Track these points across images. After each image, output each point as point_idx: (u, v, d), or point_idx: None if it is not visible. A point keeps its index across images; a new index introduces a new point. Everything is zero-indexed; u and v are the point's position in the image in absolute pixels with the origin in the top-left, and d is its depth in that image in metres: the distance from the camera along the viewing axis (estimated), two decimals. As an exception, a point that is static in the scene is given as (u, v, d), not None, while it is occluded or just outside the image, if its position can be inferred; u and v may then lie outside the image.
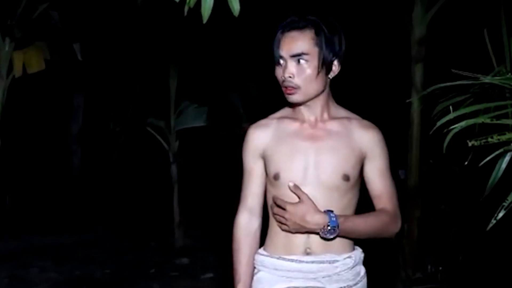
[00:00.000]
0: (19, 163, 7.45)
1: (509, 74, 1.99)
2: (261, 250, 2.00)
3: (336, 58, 1.89)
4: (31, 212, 6.66)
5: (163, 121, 5.69)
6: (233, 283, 2.00)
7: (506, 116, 1.73)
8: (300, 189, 1.85)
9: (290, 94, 1.87)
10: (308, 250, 1.91)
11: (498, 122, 1.61)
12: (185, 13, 1.70)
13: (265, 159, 1.96)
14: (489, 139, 1.53)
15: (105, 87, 7.69)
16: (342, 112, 1.98)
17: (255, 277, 2.01)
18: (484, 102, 1.88)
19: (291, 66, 1.85)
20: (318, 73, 1.86)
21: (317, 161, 1.88)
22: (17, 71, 4.91)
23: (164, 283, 4.88)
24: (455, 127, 1.59)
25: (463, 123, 1.58)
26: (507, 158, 1.62)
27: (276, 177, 1.91)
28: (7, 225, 5.91)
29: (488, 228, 1.63)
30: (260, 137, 1.97)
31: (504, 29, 2.10)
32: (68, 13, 5.05)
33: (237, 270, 1.99)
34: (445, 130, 1.63)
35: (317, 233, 1.86)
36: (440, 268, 4.48)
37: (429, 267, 4.52)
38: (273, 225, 1.97)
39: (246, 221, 2.01)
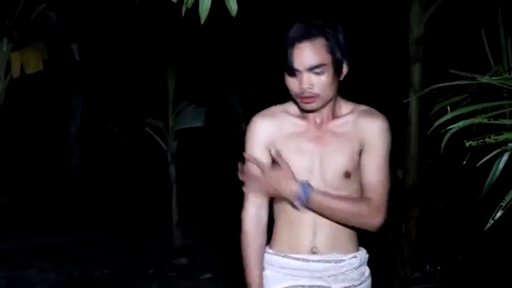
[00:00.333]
0: (17, 163, 7.44)
1: (507, 74, 1.99)
2: (267, 248, 2.00)
3: (345, 59, 1.89)
4: (29, 212, 6.65)
5: (161, 121, 5.68)
6: (245, 283, 1.97)
7: (503, 116, 1.73)
8: (282, 158, 1.89)
9: (308, 103, 1.86)
10: (314, 249, 1.92)
11: (496, 122, 1.61)
12: (183, 14, 1.71)
13: (271, 153, 1.94)
14: (487, 139, 1.53)
15: (103, 88, 7.69)
16: (347, 107, 1.96)
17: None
18: (482, 102, 1.88)
19: (308, 77, 1.83)
20: (333, 78, 1.86)
21: (321, 162, 1.90)
22: (15, 72, 4.92)
23: (162, 283, 4.87)
24: (452, 127, 1.60)
25: (460, 123, 1.59)
26: (504, 158, 1.62)
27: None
28: (6, 225, 5.90)
29: (486, 228, 1.63)
30: (268, 128, 1.95)
31: (501, 29, 2.10)
32: (66, 14, 5.05)
33: (248, 268, 1.96)
34: (443, 130, 1.64)
35: (324, 232, 1.91)
36: (439, 267, 4.48)
37: (427, 266, 4.52)
38: (279, 223, 1.98)
39: (255, 213, 1.96)
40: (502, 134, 1.54)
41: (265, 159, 1.93)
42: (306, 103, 1.86)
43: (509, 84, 1.80)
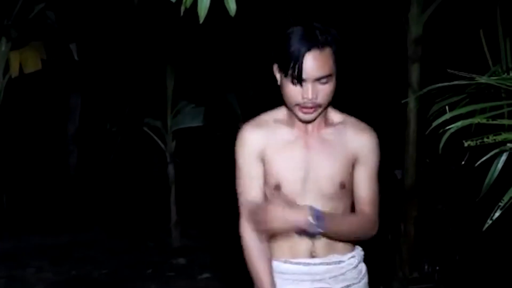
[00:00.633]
0: (16, 163, 7.43)
1: (505, 74, 2.00)
2: None
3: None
4: (27, 212, 6.64)
5: (159, 121, 5.68)
6: None
7: (502, 116, 1.73)
8: (282, 191, 1.88)
9: (309, 113, 1.82)
10: (313, 253, 1.93)
11: (494, 122, 1.61)
12: (181, 13, 1.71)
13: (264, 163, 1.91)
14: (485, 139, 1.53)
15: (101, 87, 7.68)
16: (338, 116, 1.95)
17: None
18: (480, 102, 1.88)
19: (314, 87, 1.77)
20: (334, 87, 1.83)
21: (315, 171, 1.88)
22: (14, 71, 4.92)
23: (161, 283, 4.87)
24: (451, 127, 1.60)
25: (459, 123, 1.59)
26: (503, 158, 1.63)
27: (277, 188, 1.90)
28: (4, 225, 5.89)
29: (484, 228, 1.64)
30: (259, 139, 1.90)
31: (499, 29, 2.10)
32: (64, 13, 5.05)
33: (261, 280, 1.91)
34: (441, 130, 1.64)
35: (322, 236, 1.89)
36: (437, 267, 4.49)
37: (426, 266, 4.52)
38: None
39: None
40: (500, 134, 1.55)
41: (259, 170, 1.90)
42: (306, 113, 1.81)
43: (508, 84, 1.80)
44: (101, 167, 7.51)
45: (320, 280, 1.94)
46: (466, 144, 1.54)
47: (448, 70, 1.86)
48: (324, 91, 1.79)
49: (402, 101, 2.03)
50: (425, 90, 1.93)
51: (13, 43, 4.86)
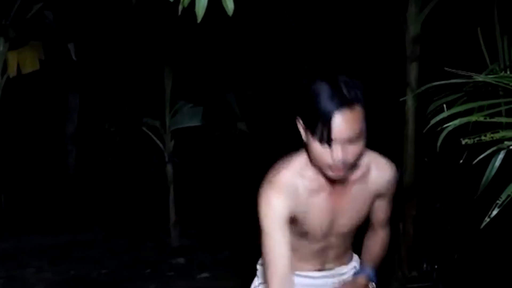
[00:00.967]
0: (14, 163, 7.42)
1: (503, 72, 2.00)
2: None
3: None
4: (26, 212, 6.64)
5: (158, 121, 5.68)
6: None
7: (499, 114, 1.73)
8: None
9: (339, 174, 1.72)
10: (323, 268, 2.02)
11: (492, 120, 1.61)
12: (179, 13, 1.71)
13: (291, 218, 1.85)
14: (483, 137, 1.53)
15: (100, 87, 7.68)
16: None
17: None
18: (478, 100, 1.89)
19: (344, 148, 1.66)
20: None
21: (339, 217, 1.90)
22: (12, 71, 4.92)
23: (160, 283, 4.87)
24: (448, 125, 1.60)
25: (456, 121, 1.59)
26: (500, 156, 1.63)
27: (303, 235, 1.91)
28: (3, 225, 5.89)
29: (482, 226, 1.64)
30: (286, 204, 1.80)
31: (497, 27, 2.11)
32: (62, 13, 5.05)
33: None
34: (439, 128, 1.64)
35: (331, 254, 2.00)
36: (436, 266, 4.49)
37: (424, 265, 4.52)
38: (291, 239, 1.96)
39: None
40: (498, 132, 1.55)
41: (286, 232, 1.80)
42: (336, 173, 1.72)
43: (505, 82, 1.81)
44: (100, 167, 7.51)
45: None
46: (463, 142, 1.54)
47: (446, 69, 1.86)
48: (355, 150, 1.68)
49: (400, 99, 2.03)
50: (423, 88, 1.93)
51: (11, 43, 4.86)
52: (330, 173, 1.73)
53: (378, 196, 1.94)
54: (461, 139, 1.54)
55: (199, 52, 5.82)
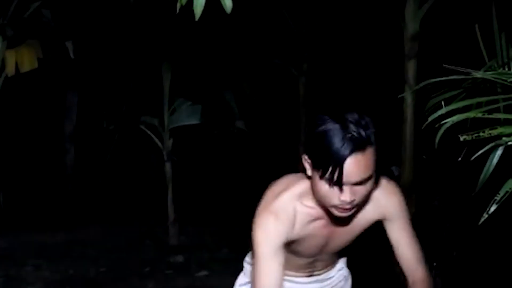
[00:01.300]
0: (13, 161, 7.42)
1: (501, 69, 2.00)
2: None
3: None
4: (25, 210, 6.64)
5: (156, 119, 5.67)
6: None
7: (497, 110, 1.73)
8: None
9: (345, 213, 1.68)
10: (312, 274, 2.03)
11: (490, 116, 1.61)
12: (177, 10, 1.70)
13: (285, 243, 1.82)
14: (481, 134, 1.53)
15: (98, 85, 7.67)
16: None
17: None
18: (476, 97, 1.89)
19: (352, 190, 1.62)
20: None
21: (334, 241, 1.89)
22: (10, 70, 4.90)
23: (159, 281, 4.87)
24: (447, 122, 1.60)
25: (454, 118, 1.59)
26: (498, 153, 1.63)
27: (293, 253, 1.89)
28: (1, 224, 5.88)
29: (480, 222, 1.64)
30: (282, 231, 1.77)
31: (495, 24, 2.11)
32: (60, 11, 5.04)
33: None
34: (437, 125, 1.64)
35: (320, 265, 2.00)
36: (434, 264, 4.49)
37: (423, 263, 4.52)
38: None
39: None
40: (496, 128, 1.55)
41: (280, 258, 1.78)
42: (342, 212, 1.68)
43: (503, 78, 1.81)
44: (98, 165, 7.50)
45: None
46: (461, 139, 1.54)
47: (444, 65, 1.86)
48: (363, 192, 1.64)
49: (398, 96, 2.03)
50: (421, 84, 1.93)
51: (8, 42, 4.85)
52: (335, 212, 1.69)
53: (387, 222, 1.87)
54: (459, 135, 1.54)
55: (197, 50, 5.82)
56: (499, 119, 1.67)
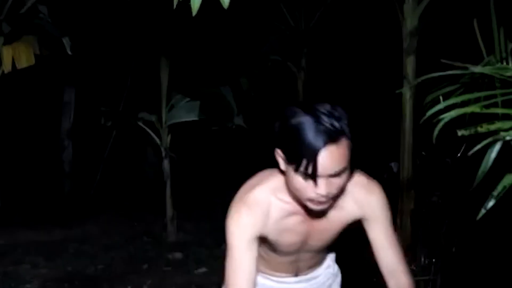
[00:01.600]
0: (10, 158, 7.41)
1: (499, 63, 1.99)
2: None
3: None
4: (22, 208, 6.63)
5: (154, 116, 5.66)
6: None
7: (495, 105, 1.72)
8: None
9: (321, 206, 1.66)
10: (296, 273, 2.02)
11: (488, 111, 1.60)
12: (174, 6, 1.69)
13: (262, 238, 1.81)
14: (478, 129, 1.52)
15: (96, 82, 7.66)
16: None
17: None
18: (475, 92, 1.88)
19: (328, 182, 1.60)
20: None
21: (313, 238, 1.87)
22: (7, 67, 4.88)
23: (157, 278, 4.87)
24: (445, 116, 1.58)
25: (452, 113, 1.57)
26: (496, 148, 1.61)
27: (273, 250, 1.88)
28: (-2, 222, 5.89)
29: (478, 217, 1.62)
30: (258, 225, 1.76)
31: (493, 19, 2.09)
32: (57, 7, 5.02)
33: None
34: (435, 120, 1.63)
35: (305, 264, 1.99)
36: (434, 260, 4.49)
37: (422, 259, 4.52)
38: (263, 250, 1.94)
39: None
40: (494, 123, 1.53)
41: (254, 252, 1.77)
42: (318, 206, 1.66)
43: (501, 73, 1.79)
44: (96, 162, 7.50)
45: None
46: (459, 134, 1.52)
47: (443, 61, 1.85)
48: (338, 184, 1.62)
49: (396, 91, 2.01)
50: (419, 79, 1.92)
51: (5, 38, 4.82)
52: (311, 206, 1.66)
53: (367, 221, 1.84)
54: (457, 130, 1.53)
55: (195, 46, 5.80)
56: (497, 114, 1.66)
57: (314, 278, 2.05)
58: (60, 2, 5.05)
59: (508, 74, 1.80)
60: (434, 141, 1.65)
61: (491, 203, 1.58)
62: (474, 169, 1.74)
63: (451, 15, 4.82)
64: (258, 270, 1.90)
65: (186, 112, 5.63)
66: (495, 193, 1.56)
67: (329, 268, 2.10)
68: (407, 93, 4.35)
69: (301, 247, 1.88)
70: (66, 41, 4.91)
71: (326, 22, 6.63)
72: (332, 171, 1.57)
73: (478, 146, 1.51)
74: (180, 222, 5.85)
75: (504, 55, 2.03)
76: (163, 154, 5.73)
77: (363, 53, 7.46)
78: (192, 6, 1.63)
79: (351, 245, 1.96)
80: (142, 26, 5.87)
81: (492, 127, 1.53)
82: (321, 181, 1.58)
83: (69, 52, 4.93)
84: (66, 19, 5.19)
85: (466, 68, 1.82)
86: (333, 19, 6.57)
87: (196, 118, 5.54)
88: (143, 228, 6.03)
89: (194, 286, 4.73)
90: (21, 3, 4.78)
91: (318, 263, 2.04)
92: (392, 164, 4.87)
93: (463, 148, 1.64)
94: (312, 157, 1.54)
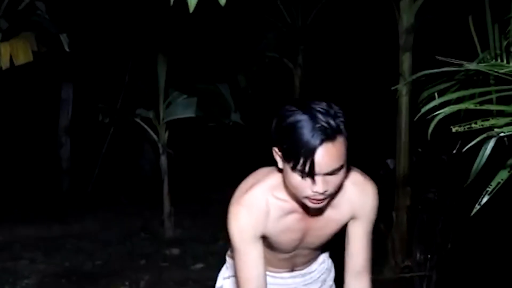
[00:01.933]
0: (8, 155, 7.41)
1: (494, 60, 2.00)
2: None
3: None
4: (20, 204, 6.63)
5: (152, 112, 5.67)
6: None
7: (490, 102, 1.74)
8: None
9: (318, 204, 1.67)
10: (293, 269, 2.04)
11: (482, 108, 1.62)
12: (171, 3, 1.70)
13: (262, 236, 1.83)
14: (473, 125, 1.54)
15: (93, 78, 7.66)
16: None
17: (234, 281, 2.09)
18: (469, 88, 1.89)
19: (325, 180, 1.61)
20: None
21: (310, 236, 1.88)
22: (4, 63, 4.88)
23: (154, 273, 4.88)
24: (439, 113, 1.60)
25: (447, 109, 1.59)
26: (491, 144, 1.63)
27: (270, 248, 1.89)
28: (-4, 218, 5.90)
29: (472, 213, 1.64)
30: (259, 224, 1.77)
31: (488, 16, 2.11)
32: (54, 4, 5.02)
33: None
34: (430, 116, 1.64)
35: (301, 260, 2.00)
36: (429, 256, 4.51)
37: (418, 255, 4.55)
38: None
39: None
40: (488, 119, 1.55)
41: (259, 249, 1.80)
42: (315, 203, 1.67)
43: (496, 70, 1.81)
44: (94, 159, 7.50)
45: None
46: (454, 130, 1.54)
47: (437, 57, 1.86)
48: (335, 181, 1.64)
49: (392, 88, 2.02)
50: (414, 76, 1.93)
51: (3, 35, 4.82)
52: (308, 203, 1.68)
53: (355, 216, 1.85)
54: (452, 127, 1.54)
55: (192, 43, 5.81)
56: (492, 110, 1.68)
57: (309, 273, 2.07)
58: (58, -2, 5.06)
59: (503, 71, 1.82)
60: (429, 137, 1.66)
61: (485, 199, 1.59)
62: (470, 166, 1.75)
63: (447, 12, 4.84)
64: None
65: (183, 109, 5.63)
66: (489, 189, 1.58)
67: (324, 263, 2.13)
68: (403, 90, 4.37)
69: (298, 245, 1.90)
70: (63, 37, 4.91)
71: (322, 19, 6.64)
72: (328, 169, 1.59)
73: (472, 143, 1.53)
74: (178, 218, 5.86)
75: (498, 52, 2.04)
76: (161, 150, 5.74)
77: (359, 50, 7.47)
78: (189, 3, 1.65)
79: (344, 241, 1.96)
80: (140, 23, 5.88)
81: (486, 123, 1.54)
82: (318, 179, 1.60)
83: (67, 49, 4.93)
84: (64, 16, 5.20)
85: (461, 65, 1.83)
86: (329, 16, 6.58)
87: (193, 115, 5.54)
88: (141, 224, 6.04)
89: (191, 282, 4.74)
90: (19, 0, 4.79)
91: (313, 258, 2.07)
92: (388, 161, 4.89)
93: (458, 145, 1.66)
94: (309, 155, 1.55)
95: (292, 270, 2.04)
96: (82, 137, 7.62)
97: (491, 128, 1.55)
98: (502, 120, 1.57)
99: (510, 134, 1.53)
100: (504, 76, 1.80)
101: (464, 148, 1.60)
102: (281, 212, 1.78)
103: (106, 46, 7.07)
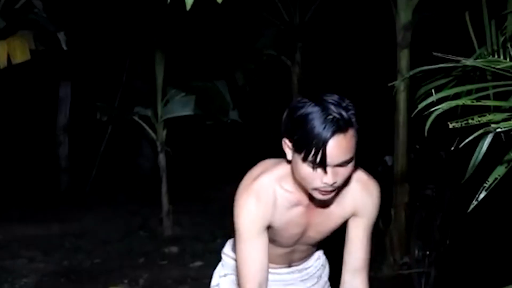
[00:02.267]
0: (6, 154, 7.40)
1: (490, 56, 2.01)
2: None
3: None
4: (18, 202, 6.63)
5: (150, 110, 5.66)
6: None
7: (487, 97, 1.74)
8: None
9: (327, 195, 1.69)
10: (290, 264, 2.06)
11: (479, 103, 1.62)
12: (168, 1, 1.70)
13: (268, 224, 1.83)
14: (470, 121, 1.54)
15: (91, 77, 7.65)
16: None
17: (230, 279, 2.11)
18: (466, 84, 1.90)
19: (335, 172, 1.63)
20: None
21: (312, 230, 1.89)
22: (2, 62, 4.87)
23: (153, 272, 4.88)
24: (437, 109, 1.60)
25: (444, 105, 1.59)
26: (488, 140, 1.63)
27: (270, 241, 1.88)
28: (-5, 216, 5.89)
29: (470, 209, 1.65)
30: (266, 213, 1.77)
31: (485, 12, 2.11)
32: (52, 2, 5.01)
33: None
34: (427, 112, 1.65)
35: (298, 255, 2.02)
36: (428, 252, 4.51)
37: (416, 251, 4.55)
38: None
39: None
40: (485, 115, 1.55)
41: (265, 239, 1.80)
42: (324, 195, 1.68)
43: (493, 66, 1.81)
44: (92, 157, 7.50)
45: (291, 284, 2.09)
46: (451, 126, 1.54)
47: (434, 54, 1.86)
48: (344, 173, 1.65)
49: (389, 84, 2.02)
50: (411, 72, 1.93)
51: (0, 33, 4.81)
52: (316, 195, 1.69)
53: (356, 213, 1.86)
54: (449, 123, 1.54)
55: (190, 41, 5.80)
56: (489, 106, 1.68)
57: (306, 268, 2.10)
58: (55, -3, 5.05)
59: (500, 66, 1.82)
60: (426, 133, 1.66)
61: (482, 195, 1.60)
62: (467, 162, 1.76)
63: (444, 8, 4.84)
64: None
65: (181, 107, 5.62)
66: (486, 184, 1.59)
67: (319, 259, 2.15)
68: (400, 86, 4.37)
69: (299, 239, 1.91)
70: (61, 36, 4.91)
71: (320, 16, 6.65)
72: (339, 161, 1.61)
73: (469, 138, 1.53)
74: (176, 217, 5.86)
75: (495, 48, 2.04)
76: (159, 148, 5.73)
77: (357, 47, 7.48)
78: (186, 1, 1.64)
79: (337, 238, 1.97)
80: (137, 21, 5.87)
81: (484, 119, 1.54)
82: (328, 170, 1.61)
83: (65, 47, 4.92)
84: (61, 14, 5.20)
85: (459, 61, 1.84)
86: (327, 14, 6.59)
87: (191, 113, 5.53)
88: (140, 223, 6.04)
89: (189, 280, 4.74)
90: (16, -3, 4.78)
91: (310, 255, 2.09)
92: (387, 158, 4.89)
93: (456, 141, 1.66)
94: (321, 146, 1.57)
95: (289, 266, 2.06)
96: (80, 136, 7.62)
97: (488, 123, 1.55)
98: (499, 116, 1.57)
99: (507, 130, 1.53)
100: (501, 72, 1.80)
101: (461, 144, 1.60)
102: (287, 203, 1.79)
103: (104, 45, 7.07)
